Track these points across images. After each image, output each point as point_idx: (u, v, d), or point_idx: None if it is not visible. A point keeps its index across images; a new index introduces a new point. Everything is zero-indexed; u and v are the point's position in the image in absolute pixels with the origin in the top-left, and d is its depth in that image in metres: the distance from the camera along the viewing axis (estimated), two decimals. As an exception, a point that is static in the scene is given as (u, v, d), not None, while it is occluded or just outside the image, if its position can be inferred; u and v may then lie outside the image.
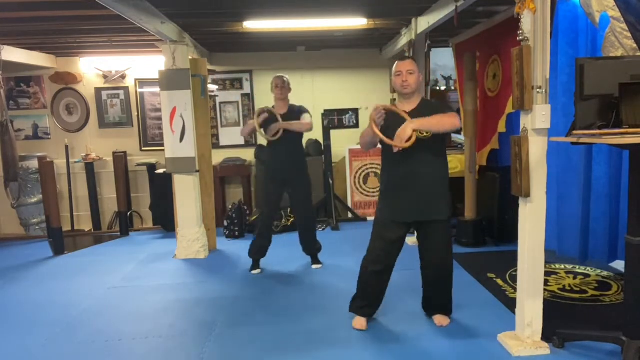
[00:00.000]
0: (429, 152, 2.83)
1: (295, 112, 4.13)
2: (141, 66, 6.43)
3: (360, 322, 3.07)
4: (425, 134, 2.74)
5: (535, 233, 2.63)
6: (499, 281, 3.79)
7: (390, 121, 2.80)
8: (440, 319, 3.06)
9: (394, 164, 2.91)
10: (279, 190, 4.22)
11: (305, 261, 4.43)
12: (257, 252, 4.30)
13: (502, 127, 4.45)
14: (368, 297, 3.07)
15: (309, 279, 4.08)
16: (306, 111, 4.16)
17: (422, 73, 4.81)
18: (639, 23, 2.59)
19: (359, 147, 6.28)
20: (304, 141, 6.31)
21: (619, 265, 3.88)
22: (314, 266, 4.35)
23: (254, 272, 4.28)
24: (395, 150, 2.74)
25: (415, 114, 2.80)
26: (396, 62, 2.95)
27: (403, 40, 5.25)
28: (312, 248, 4.37)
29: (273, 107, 4.14)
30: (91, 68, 6.43)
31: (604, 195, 3.76)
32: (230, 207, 5.86)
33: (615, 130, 2.29)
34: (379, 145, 2.97)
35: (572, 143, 2.65)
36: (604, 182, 3.74)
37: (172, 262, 4.77)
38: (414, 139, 2.68)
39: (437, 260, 2.99)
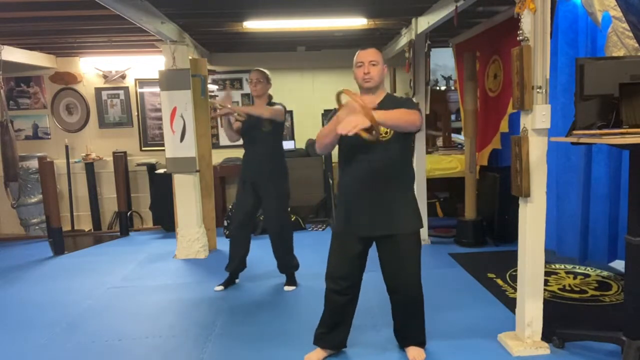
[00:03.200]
0: (393, 154, 2.45)
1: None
2: (141, 66, 6.42)
3: (312, 356, 2.65)
4: (384, 135, 2.37)
5: (535, 233, 2.63)
6: (499, 281, 3.79)
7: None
8: (414, 353, 2.62)
9: (352, 168, 2.52)
10: (250, 196, 3.75)
11: (305, 260, 4.38)
12: (230, 264, 3.91)
13: (504, 127, 4.46)
14: (328, 321, 2.64)
15: (309, 278, 4.08)
16: (279, 104, 3.71)
17: (423, 72, 4.83)
18: None
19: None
20: (304, 141, 6.44)
21: (619, 265, 3.88)
22: (287, 288, 3.82)
23: (217, 288, 3.86)
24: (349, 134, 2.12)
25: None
26: (358, 52, 2.51)
27: (403, 40, 5.24)
28: (287, 264, 3.86)
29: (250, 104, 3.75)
30: (91, 68, 6.43)
31: (604, 195, 3.76)
32: (230, 207, 5.86)
33: (615, 130, 2.29)
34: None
35: (572, 143, 2.65)
36: (604, 182, 3.74)
37: (172, 262, 4.77)
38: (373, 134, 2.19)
39: (399, 284, 2.53)
